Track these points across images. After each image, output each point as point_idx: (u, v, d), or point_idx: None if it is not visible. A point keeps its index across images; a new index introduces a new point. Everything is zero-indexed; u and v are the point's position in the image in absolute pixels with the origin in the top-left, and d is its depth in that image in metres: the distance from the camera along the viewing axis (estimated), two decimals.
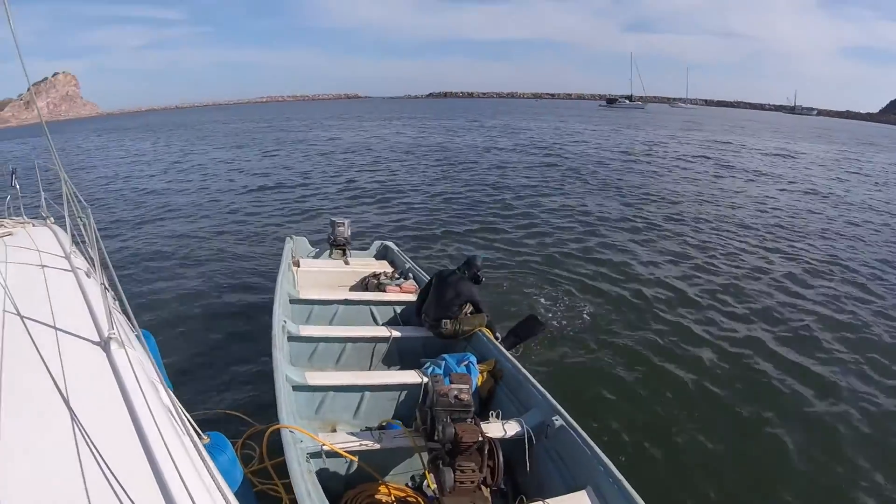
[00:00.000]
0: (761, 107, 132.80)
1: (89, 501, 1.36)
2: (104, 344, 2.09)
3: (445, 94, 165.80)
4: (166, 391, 2.01)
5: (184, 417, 1.95)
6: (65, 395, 1.75)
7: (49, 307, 2.34)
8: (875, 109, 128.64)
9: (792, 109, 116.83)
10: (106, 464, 1.48)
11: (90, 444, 1.54)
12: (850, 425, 4.32)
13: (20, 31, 2.49)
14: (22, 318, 2.15)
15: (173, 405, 1.92)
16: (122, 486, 1.41)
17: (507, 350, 4.18)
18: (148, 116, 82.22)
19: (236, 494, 1.80)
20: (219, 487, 1.55)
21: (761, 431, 4.20)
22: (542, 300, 6.45)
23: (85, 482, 1.42)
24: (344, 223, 6.15)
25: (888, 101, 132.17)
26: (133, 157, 23.14)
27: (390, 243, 6.58)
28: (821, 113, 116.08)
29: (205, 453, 1.80)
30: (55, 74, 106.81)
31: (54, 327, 2.17)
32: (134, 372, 1.91)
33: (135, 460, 1.52)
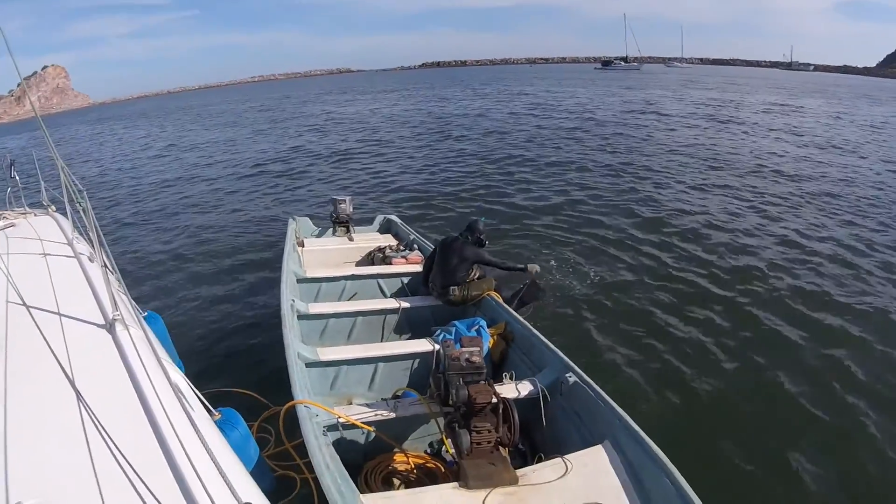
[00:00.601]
0: (757, 63, 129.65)
1: (99, 482, 1.36)
2: (109, 326, 2.10)
3: (438, 64, 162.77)
4: (174, 369, 2.01)
5: (193, 395, 1.96)
6: (71, 377, 1.75)
7: (54, 293, 2.35)
8: (872, 64, 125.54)
9: (788, 65, 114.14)
10: (114, 442, 1.47)
11: (97, 423, 1.54)
12: (856, 368, 4.33)
13: (6, 28, 2.50)
14: (27, 306, 2.16)
15: (182, 383, 1.92)
16: (131, 465, 1.40)
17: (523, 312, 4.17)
18: (140, 103, 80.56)
19: (251, 470, 1.81)
20: (231, 462, 1.54)
21: (777, 381, 4.18)
22: (550, 262, 6.41)
23: (95, 463, 1.42)
24: (345, 200, 6.10)
25: (885, 55, 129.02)
26: (127, 143, 22.85)
27: (393, 216, 6.53)
28: (817, 68, 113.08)
29: (215, 430, 1.81)
30: (45, 68, 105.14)
31: (60, 313, 2.19)
32: (138, 352, 1.91)
33: (143, 438, 1.52)
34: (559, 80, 48.79)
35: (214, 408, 2.15)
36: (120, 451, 1.44)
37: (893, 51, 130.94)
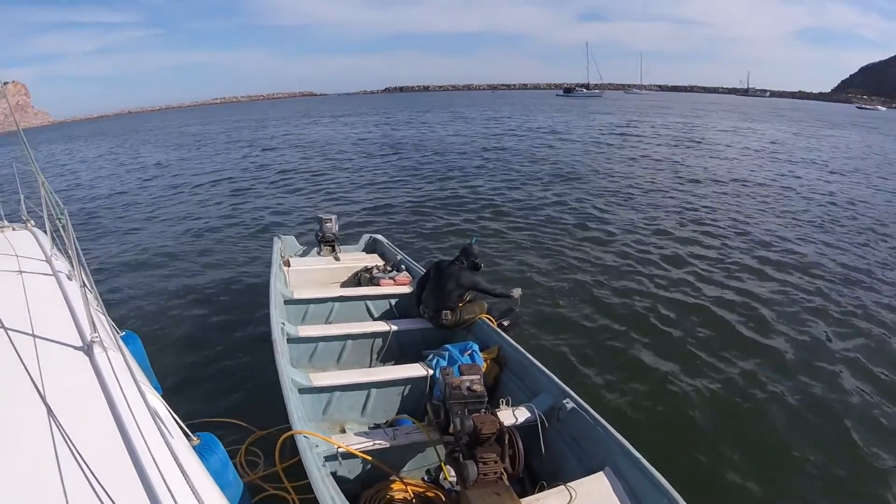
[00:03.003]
0: (715, 90, 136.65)
1: None
2: (87, 347, 2.04)
3: (401, 89, 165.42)
4: (152, 393, 1.99)
5: (171, 419, 1.92)
6: (47, 400, 1.68)
7: (31, 312, 2.27)
8: (827, 89, 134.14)
9: (745, 92, 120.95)
10: (89, 468, 1.43)
11: (73, 448, 1.49)
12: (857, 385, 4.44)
13: None
14: (2, 324, 2.07)
15: (160, 407, 1.89)
16: (106, 492, 1.37)
17: (508, 331, 4.14)
18: (101, 123, 78.15)
19: (229, 495, 1.80)
20: (208, 488, 1.52)
21: (774, 399, 4.26)
22: (536, 279, 6.49)
23: (71, 489, 1.38)
24: (331, 219, 6.01)
25: (840, 81, 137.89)
26: (89, 164, 22.00)
27: (379, 236, 6.46)
28: (773, 94, 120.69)
29: (193, 455, 1.78)
30: (4, 84, 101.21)
31: (37, 333, 2.11)
32: (116, 375, 1.87)
33: (120, 463, 1.49)
34: (525, 107, 50.08)
35: (193, 433, 2.11)
36: (96, 477, 1.41)
37: (848, 76, 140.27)
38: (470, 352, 3.80)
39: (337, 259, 5.80)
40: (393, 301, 4.92)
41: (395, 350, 4.30)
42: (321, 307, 4.73)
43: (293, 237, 6.34)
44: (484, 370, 3.70)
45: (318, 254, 6.02)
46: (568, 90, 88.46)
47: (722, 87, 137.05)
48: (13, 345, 1.94)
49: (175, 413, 1.98)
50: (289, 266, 5.39)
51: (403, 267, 5.48)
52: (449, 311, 4.18)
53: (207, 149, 23.73)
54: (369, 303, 4.87)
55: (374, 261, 5.83)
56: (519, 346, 3.80)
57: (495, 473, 2.41)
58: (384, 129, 29.66)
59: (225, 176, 15.41)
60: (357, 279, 5.47)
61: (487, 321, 4.22)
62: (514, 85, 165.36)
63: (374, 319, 4.73)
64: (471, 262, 4.36)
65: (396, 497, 2.74)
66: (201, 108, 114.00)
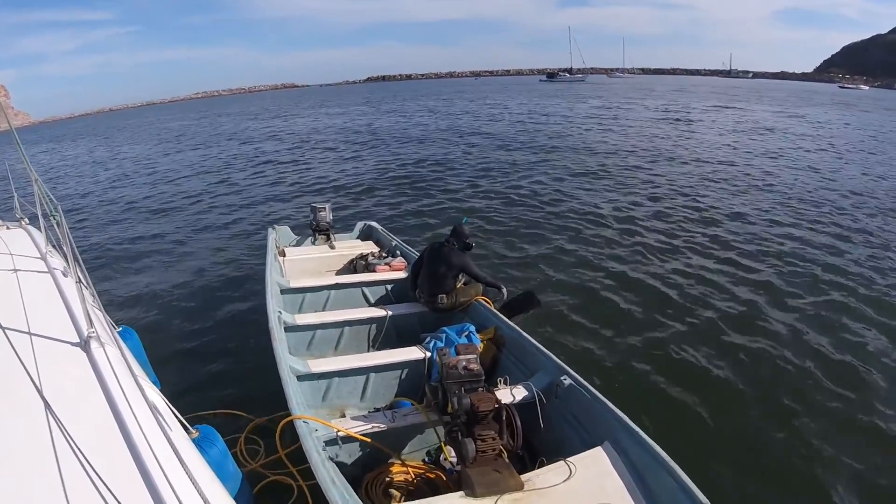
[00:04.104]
0: (698, 72, 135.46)
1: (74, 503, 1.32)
2: (84, 343, 2.04)
3: (384, 78, 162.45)
4: (151, 387, 1.99)
5: (170, 412, 1.93)
6: (45, 395, 1.68)
7: (28, 309, 2.27)
8: (810, 69, 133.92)
9: (728, 73, 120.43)
10: (89, 463, 1.43)
11: (72, 444, 1.49)
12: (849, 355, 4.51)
13: None
14: None
15: (158, 401, 1.89)
16: (107, 486, 1.37)
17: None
18: (81, 122, 76.26)
19: (229, 487, 1.83)
20: (208, 480, 1.53)
21: (771, 369, 4.32)
22: (528, 268, 6.46)
23: (70, 484, 1.38)
24: (325, 207, 6.00)
25: (822, 61, 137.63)
26: (71, 163, 21.62)
27: (373, 223, 6.45)
28: (756, 75, 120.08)
29: (192, 447, 1.79)
30: None
31: (33, 329, 2.10)
32: (114, 369, 1.87)
33: (119, 459, 1.49)
34: (509, 94, 48.88)
35: (192, 425, 2.14)
36: (96, 472, 1.40)
37: (830, 56, 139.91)
38: (467, 333, 3.81)
39: (332, 247, 5.77)
40: (389, 286, 4.92)
41: (392, 335, 4.30)
42: (317, 295, 4.72)
43: (287, 227, 6.32)
44: (481, 350, 3.73)
45: (313, 243, 6.01)
46: (551, 75, 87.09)
47: (705, 69, 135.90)
48: (10, 342, 1.93)
49: (173, 406, 1.98)
50: (284, 256, 5.37)
51: (399, 252, 5.47)
52: (444, 295, 4.17)
53: (191, 142, 23.59)
54: (365, 289, 4.86)
55: (369, 247, 5.81)
56: (516, 326, 3.82)
57: (494, 450, 2.43)
58: (367, 118, 29.46)
59: (212, 169, 15.35)
60: (353, 266, 5.45)
61: (484, 303, 4.21)
62: (498, 71, 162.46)
63: (371, 305, 4.73)
64: (462, 243, 4.33)
65: (397, 479, 2.77)
66: (183, 104, 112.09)
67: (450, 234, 4.42)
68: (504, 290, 4.34)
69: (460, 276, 4.31)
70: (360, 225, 6.49)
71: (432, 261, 4.27)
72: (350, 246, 5.86)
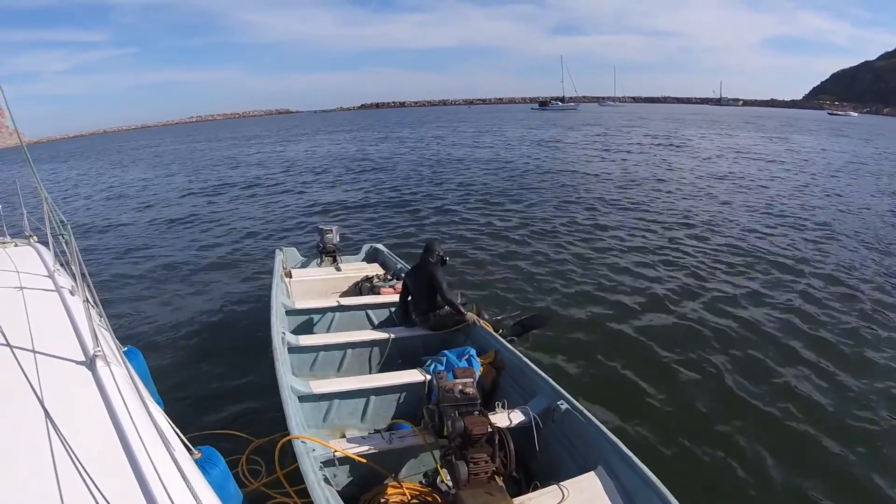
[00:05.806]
0: (688, 100, 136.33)
1: None
2: (90, 362, 2.06)
3: (378, 105, 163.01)
4: (155, 407, 2.01)
5: (173, 433, 1.94)
6: (51, 415, 1.71)
7: (34, 327, 2.30)
8: (800, 96, 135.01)
9: (718, 101, 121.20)
10: (93, 481, 1.45)
11: (76, 462, 1.51)
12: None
13: None
14: (6, 338, 2.11)
15: (162, 421, 1.91)
16: None
17: (509, 338, 4.15)
18: (76, 143, 76.81)
19: None
20: (209, 501, 1.53)
21: (774, 394, 4.27)
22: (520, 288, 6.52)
23: (73, 501, 1.39)
24: (332, 229, 6.10)
25: (811, 88, 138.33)
26: (71, 184, 21.50)
27: (379, 245, 6.54)
28: (746, 103, 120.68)
29: (195, 468, 1.79)
30: None
31: (39, 348, 2.13)
32: (120, 389, 1.89)
33: (123, 478, 1.50)
34: (503, 121, 48.83)
35: (195, 446, 2.15)
36: (99, 490, 1.42)
37: (819, 83, 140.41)
38: (467, 356, 3.83)
39: (338, 269, 5.87)
40: (393, 309, 4.97)
41: (395, 357, 4.34)
42: (322, 317, 4.78)
43: (294, 248, 6.43)
44: (482, 374, 3.76)
45: (319, 264, 6.10)
46: (543, 104, 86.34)
47: (695, 98, 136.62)
48: (17, 359, 1.96)
49: (177, 427, 2.00)
50: (290, 277, 5.46)
51: (403, 275, 5.53)
52: (433, 313, 4.25)
53: (193, 166, 23.79)
54: (370, 311, 4.92)
55: (374, 270, 5.89)
56: (515, 350, 3.84)
57: (486, 473, 2.44)
58: (360, 144, 29.98)
59: (217, 192, 15.56)
60: (358, 288, 5.53)
61: (484, 326, 4.25)
62: (491, 99, 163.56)
63: (375, 328, 4.77)
64: (436, 258, 4.34)
65: (393, 500, 2.77)
66: (178, 127, 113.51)
67: (423, 250, 4.44)
68: (469, 316, 4.25)
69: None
70: (366, 247, 6.59)
71: (415, 282, 4.35)
72: (356, 268, 5.95)
